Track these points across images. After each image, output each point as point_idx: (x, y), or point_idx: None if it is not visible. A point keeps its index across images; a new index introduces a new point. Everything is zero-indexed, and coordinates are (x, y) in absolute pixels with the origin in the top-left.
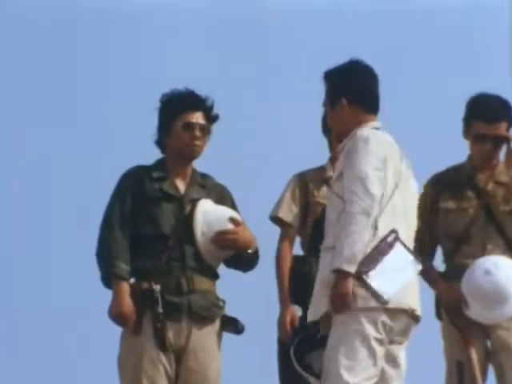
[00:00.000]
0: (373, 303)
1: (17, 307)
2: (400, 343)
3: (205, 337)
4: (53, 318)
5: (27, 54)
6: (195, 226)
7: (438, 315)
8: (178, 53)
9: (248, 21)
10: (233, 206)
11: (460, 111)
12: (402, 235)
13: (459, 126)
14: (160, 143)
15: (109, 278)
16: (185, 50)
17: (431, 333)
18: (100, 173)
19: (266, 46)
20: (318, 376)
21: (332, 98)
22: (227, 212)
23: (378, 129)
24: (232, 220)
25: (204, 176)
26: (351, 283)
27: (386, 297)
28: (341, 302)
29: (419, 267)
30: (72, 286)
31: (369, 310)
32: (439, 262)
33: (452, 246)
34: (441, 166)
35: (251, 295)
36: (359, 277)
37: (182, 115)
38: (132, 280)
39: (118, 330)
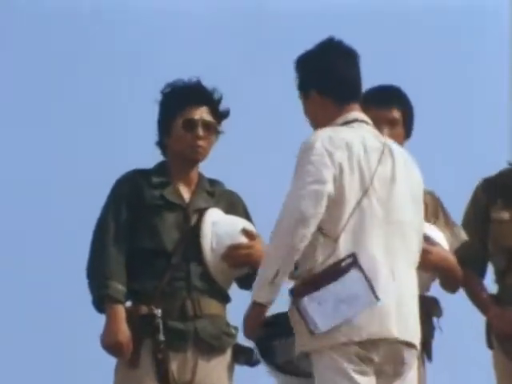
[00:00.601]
0: (341, 338)
1: (17, 308)
2: (395, 375)
3: (213, 370)
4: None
5: (27, 54)
6: (203, 240)
7: (489, 344)
8: (178, 55)
9: (248, 22)
10: (246, 216)
11: (459, 111)
12: (377, 256)
13: (458, 125)
14: (161, 144)
15: (101, 302)
16: (185, 51)
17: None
18: (100, 175)
19: (267, 47)
20: (280, 368)
21: (304, 90)
22: (239, 223)
23: (351, 122)
24: (245, 232)
25: (213, 182)
26: (259, 313)
27: (312, 327)
28: (245, 329)
29: (375, 302)
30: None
31: (337, 346)
32: (491, 283)
33: (505, 263)
34: (441, 167)
35: None
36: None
37: (182, 111)
38: (128, 303)
39: (111, 359)
